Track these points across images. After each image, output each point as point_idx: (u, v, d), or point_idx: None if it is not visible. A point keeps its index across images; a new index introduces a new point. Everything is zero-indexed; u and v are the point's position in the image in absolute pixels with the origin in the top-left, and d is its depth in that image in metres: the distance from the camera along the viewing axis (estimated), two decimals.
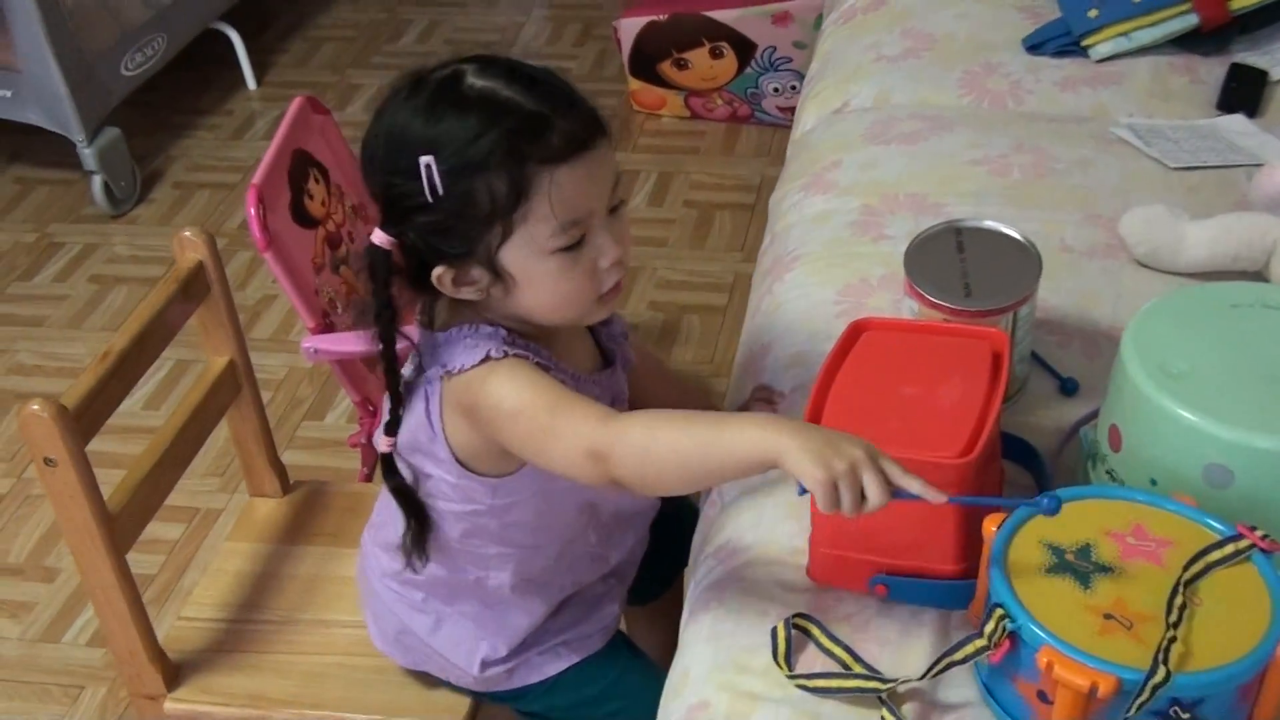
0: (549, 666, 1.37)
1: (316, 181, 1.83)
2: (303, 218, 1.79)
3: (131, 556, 1.38)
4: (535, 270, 1.13)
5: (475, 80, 1.11)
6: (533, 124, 1.09)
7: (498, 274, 1.13)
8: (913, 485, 0.97)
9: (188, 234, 1.49)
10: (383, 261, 1.14)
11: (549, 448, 1.11)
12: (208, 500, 2.29)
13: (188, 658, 1.48)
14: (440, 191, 1.09)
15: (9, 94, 2.87)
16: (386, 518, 1.34)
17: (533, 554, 1.31)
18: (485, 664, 1.35)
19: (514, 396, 1.12)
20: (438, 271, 1.13)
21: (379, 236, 1.13)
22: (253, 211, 1.63)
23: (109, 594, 1.36)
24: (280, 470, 1.67)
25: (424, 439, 1.22)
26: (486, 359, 1.14)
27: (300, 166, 1.80)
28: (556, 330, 1.22)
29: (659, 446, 1.06)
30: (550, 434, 1.11)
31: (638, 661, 1.43)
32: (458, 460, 1.21)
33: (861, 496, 0.97)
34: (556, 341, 1.22)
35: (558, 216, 1.10)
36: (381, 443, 1.23)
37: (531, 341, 1.18)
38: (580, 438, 1.08)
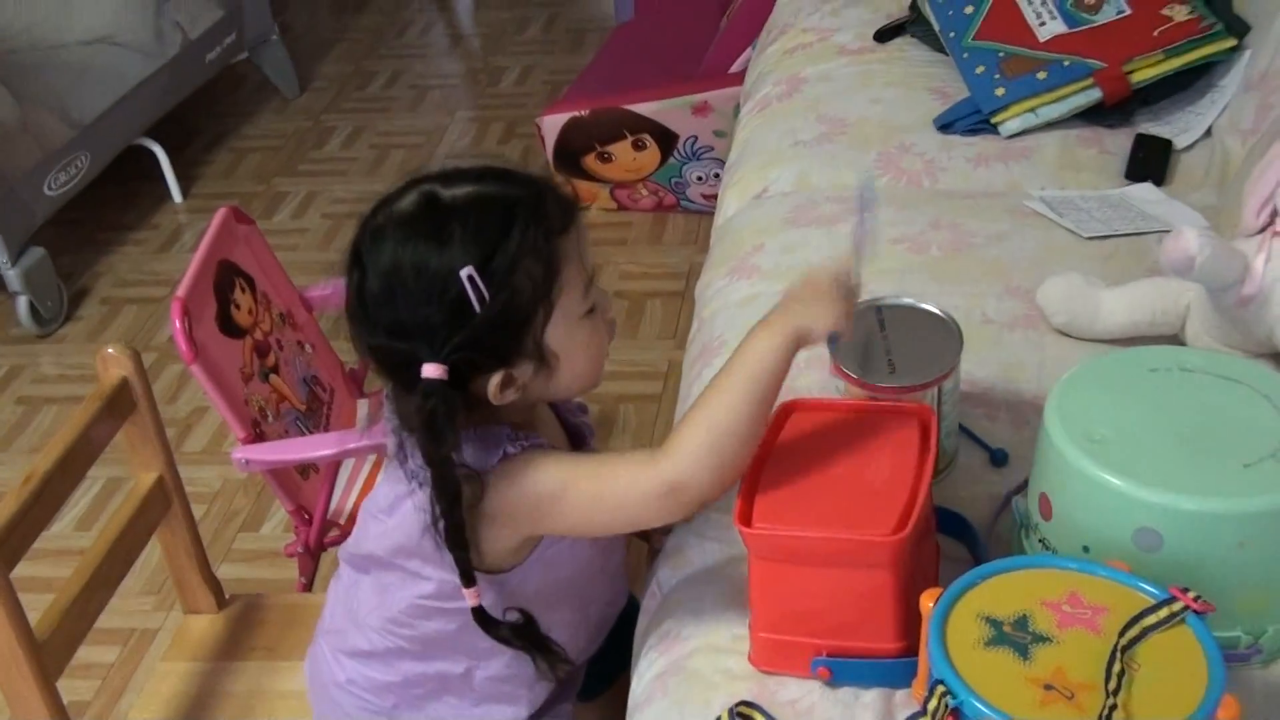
0: None
1: (243, 291, 1.82)
2: (230, 328, 1.78)
3: (64, 683, 1.34)
4: (574, 341, 1.15)
5: (453, 192, 1.12)
6: (534, 205, 1.12)
7: (543, 359, 1.14)
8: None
9: (110, 350, 1.47)
10: (443, 396, 1.09)
11: (611, 509, 1.14)
12: (143, 620, 2.24)
13: None
14: (487, 298, 1.08)
15: None
16: (346, 624, 1.32)
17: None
18: None
19: (553, 480, 1.13)
20: (495, 380, 1.12)
21: (433, 370, 1.09)
22: (178, 324, 1.62)
23: None
24: (215, 585, 1.64)
25: (428, 546, 1.18)
26: (504, 457, 1.13)
27: (226, 277, 1.79)
28: (538, 419, 1.24)
29: (717, 431, 1.09)
30: (606, 497, 1.13)
31: None
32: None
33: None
34: (540, 429, 1.23)
35: (582, 280, 1.14)
36: (469, 596, 1.17)
37: (530, 432, 1.18)
38: (645, 484, 1.11)
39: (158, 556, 1.93)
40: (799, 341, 1.10)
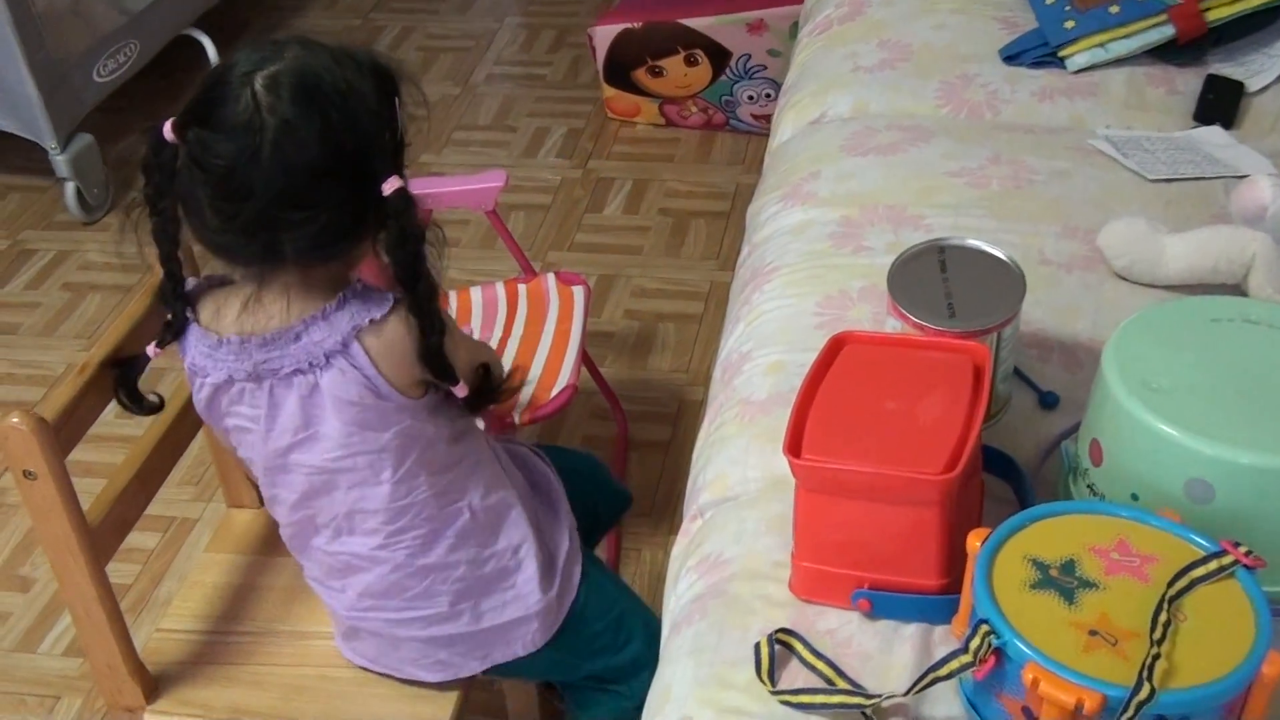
0: (576, 568, 1.45)
1: None
2: None
3: (108, 566, 1.37)
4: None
5: (321, 53, 1.29)
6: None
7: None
8: None
9: None
10: (408, 199, 1.20)
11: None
12: (183, 509, 2.27)
13: (166, 669, 1.47)
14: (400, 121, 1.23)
15: None
16: None
17: (483, 467, 1.38)
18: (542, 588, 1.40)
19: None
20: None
21: (396, 182, 1.19)
22: None
23: (88, 607, 1.35)
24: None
25: (370, 403, 1.24)
26: (393, 304, 1.22)
27: None
28: None
29: None
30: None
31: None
32: (403, 394, 1.26)
33: None
34: None
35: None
36: (459, 390, 1.28)
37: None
38: None
39: (198, 449, 1.95)
40: None
